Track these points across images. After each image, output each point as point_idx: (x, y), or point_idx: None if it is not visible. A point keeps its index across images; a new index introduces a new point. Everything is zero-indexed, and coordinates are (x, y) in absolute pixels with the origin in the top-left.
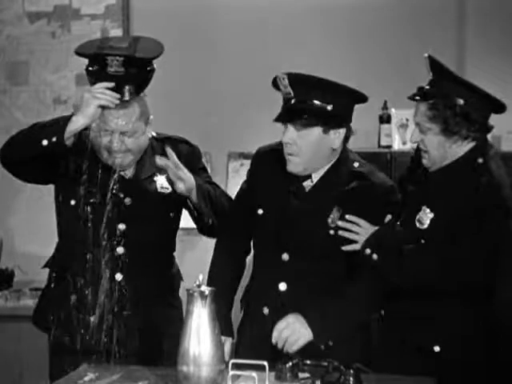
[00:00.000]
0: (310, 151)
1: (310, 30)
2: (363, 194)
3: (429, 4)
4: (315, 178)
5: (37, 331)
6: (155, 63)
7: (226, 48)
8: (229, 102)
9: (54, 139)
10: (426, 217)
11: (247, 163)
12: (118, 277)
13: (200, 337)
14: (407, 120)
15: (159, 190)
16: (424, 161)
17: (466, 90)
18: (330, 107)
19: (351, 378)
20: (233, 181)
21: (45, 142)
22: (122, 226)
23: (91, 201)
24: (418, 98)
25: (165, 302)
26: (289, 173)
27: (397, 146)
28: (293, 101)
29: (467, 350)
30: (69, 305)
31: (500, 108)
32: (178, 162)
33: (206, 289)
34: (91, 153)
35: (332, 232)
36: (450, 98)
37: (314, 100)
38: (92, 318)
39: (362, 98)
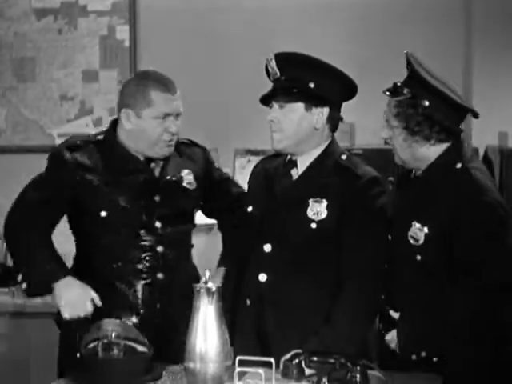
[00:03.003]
0: (292, 128)
1: (318, 27)
2: (346, 186)
3: (437, 2)
4: (301, 167)
5: (44, 327)
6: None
7: (232, 45)
8: (236, 99)
9: (24, 286)
10: (420, 232)
11: (254, 159)
12: (160, 276)
13: (207, 333)
14: None
15: (185, 185)
16: (395, 158)
17: (432, 93)
18: (312, 84)
19: (358, 375)
20: (239, 177)
21: (19, 278)
22: (158, 224)
23: (123, 205)
24: (388, 92)
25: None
26: (277, 166)
27: None
28: (279, 80)
29: (472, 352)
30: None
31: (473, 114)
32: None
33: (212, 285)
34: (111, 160)
35: (314, 226)
36: (416, 99)
37: (298, 77)
38: (134, 319)
39: (349, 83)
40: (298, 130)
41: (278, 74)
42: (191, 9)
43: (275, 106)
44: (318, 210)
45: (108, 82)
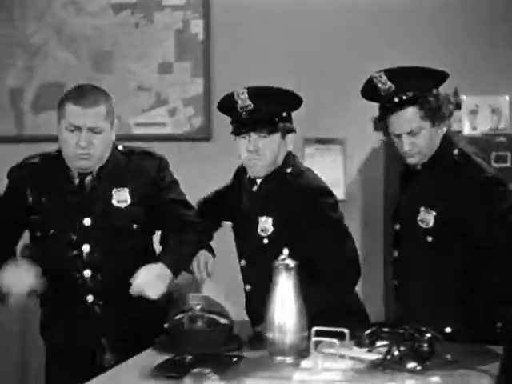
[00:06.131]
0: (272, 156)
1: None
2: (288, 201)
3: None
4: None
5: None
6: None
7: (302, 38)
8: (307, 88)
9: None
10: (428, 216)
11: (322, 148)
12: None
13: (284, 306)
14: (477, 106)
15: (116, 205)
16: (413, 160)
17: (427, 81)
18: (285, 113)
19: (425, 345)
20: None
21: None
22: (86, 248)
23: (56, 225)
24: (399, 106)
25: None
26: (247, 183)
27: (467, 131)
28: (253, 112)
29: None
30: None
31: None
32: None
33: (290, 262)
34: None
35: (266, 241)
36: (426, 92)
37: (274, 108)
38: None
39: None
40: (276, 156)
41: (252, 106)
42: (263, 5)
43: (254, 136)
44: (264, 226)
45: (182, 74)
